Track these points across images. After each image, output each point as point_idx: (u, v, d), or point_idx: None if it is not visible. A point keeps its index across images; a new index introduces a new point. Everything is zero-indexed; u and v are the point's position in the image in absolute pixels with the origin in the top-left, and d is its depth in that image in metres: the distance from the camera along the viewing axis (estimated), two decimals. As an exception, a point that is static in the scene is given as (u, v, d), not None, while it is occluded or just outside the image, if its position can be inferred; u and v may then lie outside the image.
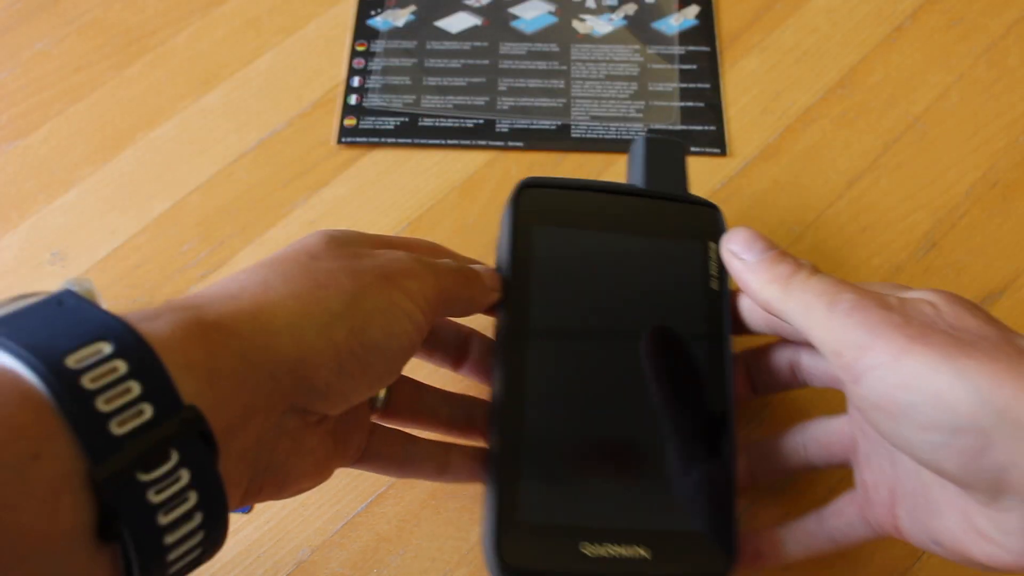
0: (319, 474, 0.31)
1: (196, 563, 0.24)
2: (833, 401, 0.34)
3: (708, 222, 0.38)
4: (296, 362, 0.26)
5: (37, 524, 0.20)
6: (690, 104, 0.51)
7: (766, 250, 0.33)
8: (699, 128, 0.49)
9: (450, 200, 0.47)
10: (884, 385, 0.27)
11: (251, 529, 0.39)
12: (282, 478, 0.28)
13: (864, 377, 0.27)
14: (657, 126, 0.50)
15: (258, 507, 0.39)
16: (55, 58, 0.53)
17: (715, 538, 0.33)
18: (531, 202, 0.38)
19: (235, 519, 0.39)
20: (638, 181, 0.40)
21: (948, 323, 0.27)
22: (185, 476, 0.22)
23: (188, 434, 0.22)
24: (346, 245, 0.32)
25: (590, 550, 0.32)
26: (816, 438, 0.35)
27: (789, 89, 0.51)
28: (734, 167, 0.48)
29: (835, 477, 0.39)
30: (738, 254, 0.33)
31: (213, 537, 0.24)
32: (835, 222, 0.46)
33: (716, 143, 0.49)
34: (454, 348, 0.37)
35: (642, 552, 0.32)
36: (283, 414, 0.27)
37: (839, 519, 0.33)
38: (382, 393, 0.35)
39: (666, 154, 0.40)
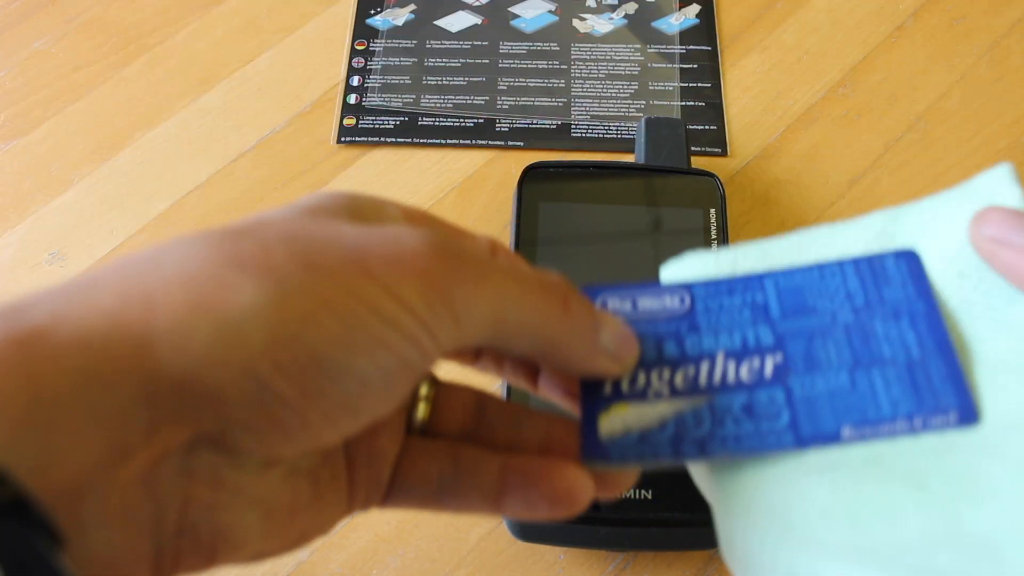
0: (288, 529, 0.21)
1: None
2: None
3: (707, 190, 0.41)
4: (185, 379, 0.18)
5: None
6: (691, 103, 0.50)
7: None
8: (700, 128, 0.49)
9: (450, 200, 0.47)
10: None
11: (250, 530, 0.39)
12: (212, 540, 0.20)
13: None
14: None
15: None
16: (53, 57, 0.53)
17: None
18: (537, 182, 0.41)
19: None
20: (642, 159, 0.43)
21: None
22: None
23: None
24: (342, 209, 0.22)
25: None
26: None
27: (790, 88, 0.50)
28: (735, 167, 0.48)
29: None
30: (1005, 239, 0.24)
31: None
32: (836, 222, 0.46)
33: (717, 143, 0.49)
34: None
35: (645, 494, 0.35)
36: (187, 452, 0.19)
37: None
38: (422, 408, 0.25)
39: (667, 132, 0.44)
